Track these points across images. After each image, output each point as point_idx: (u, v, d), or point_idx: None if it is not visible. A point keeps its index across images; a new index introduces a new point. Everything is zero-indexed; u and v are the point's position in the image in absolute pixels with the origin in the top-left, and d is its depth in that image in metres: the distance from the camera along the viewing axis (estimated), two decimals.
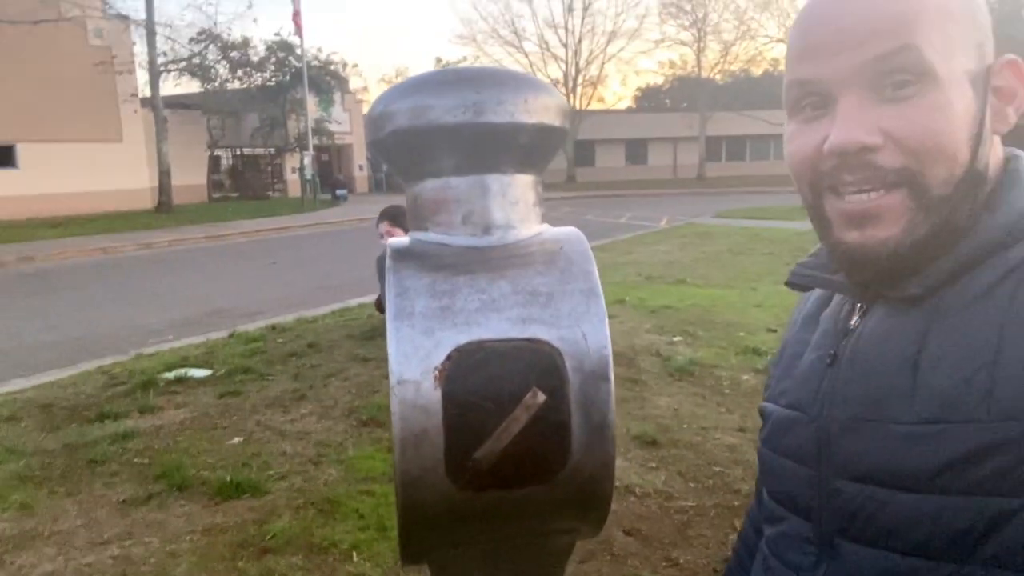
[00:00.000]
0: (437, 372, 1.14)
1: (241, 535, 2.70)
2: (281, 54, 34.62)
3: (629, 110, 46.27)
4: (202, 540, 2.64)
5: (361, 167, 41.35)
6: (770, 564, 0.87)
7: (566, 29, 43.40)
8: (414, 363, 1.14)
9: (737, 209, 20.76)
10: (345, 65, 38.93)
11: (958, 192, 0.68)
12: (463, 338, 1.15)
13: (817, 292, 0.87)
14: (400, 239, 1.40)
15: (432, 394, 1.13)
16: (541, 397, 1.14)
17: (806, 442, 0.78)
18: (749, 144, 46.61)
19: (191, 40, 29.64)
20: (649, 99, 52.27)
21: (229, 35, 31.64)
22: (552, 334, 1.17)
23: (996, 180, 0.71)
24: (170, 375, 4.82)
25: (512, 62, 59.73)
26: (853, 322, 0.77)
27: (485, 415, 1.14)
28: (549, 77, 44.41)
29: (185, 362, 5.13)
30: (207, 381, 4.86)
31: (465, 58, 49.13)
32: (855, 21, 0.67)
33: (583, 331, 1.19)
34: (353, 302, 7.69)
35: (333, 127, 36.57)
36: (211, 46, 30.80)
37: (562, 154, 44.07)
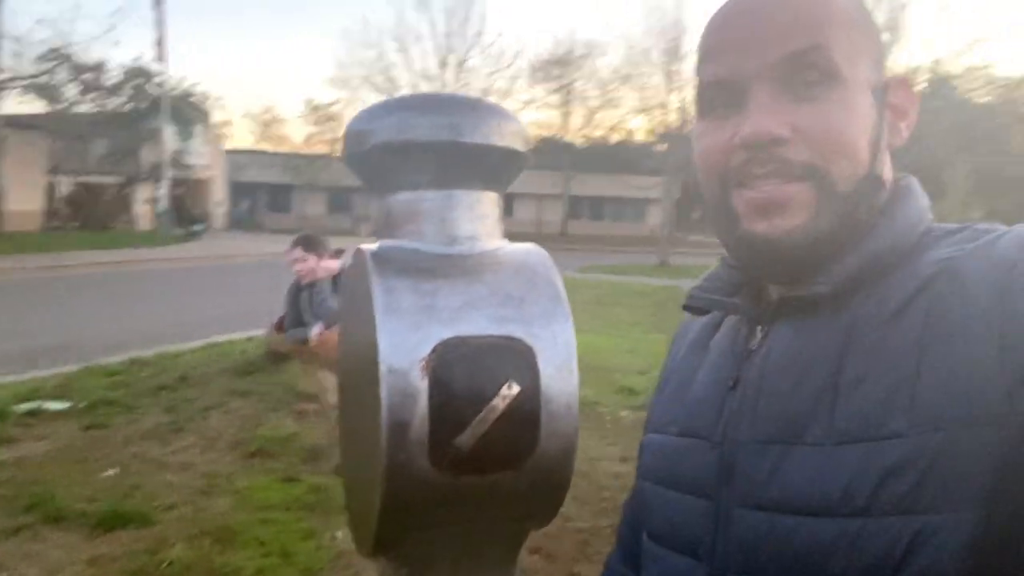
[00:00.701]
0: (423, 363, 1.23)
1: (134, 563, 2.54)
2: (139, 80, 32.85)
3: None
4: (88, 570, 2.45)
5: (219, 203, 39.56)
6: None
7: (441, 83, 44.34)
8: (402, 354, 1.22)
9: (599, 264, 21.87)
10: (208, 97, 37.57)
11: (859, 191, 0.72)
12: (447, 333, 1.25)
13: (702, 320, 0.85)
14: (368, 246, 1.48)
15: (419, 383, 1.22)
16: (516, 388, 1.25)
17: (704, 470, 0.74)
18: (608, 205, 49.34)
19: (39, 57, 27.51)
20: None
21: (84, 55, 29.69)
22: (525, 332, 1.30)
23: (890, 192, 0.74)
24: (23, 407, 4.41)
25: None
26: (754, 344, 0.75)
27: (466, 404, 1.24)
28: None
29: (37, 394, 4.72)
30: (67, 414, 4.50)
31: (338, 100, 48.81)
32: (768, 20, 0.71)
33: (552, 331, 1.32)
34: (221, 338, 7.36)
35: (192, 160, 34.90)
36: (62, 66, 28.72)
37: None
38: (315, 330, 3.87)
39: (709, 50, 0.77)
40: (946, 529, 0.58)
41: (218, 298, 11.10)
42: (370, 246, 1.47)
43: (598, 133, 43.62)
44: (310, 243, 3.90)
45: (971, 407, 0.60)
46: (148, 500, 3.07)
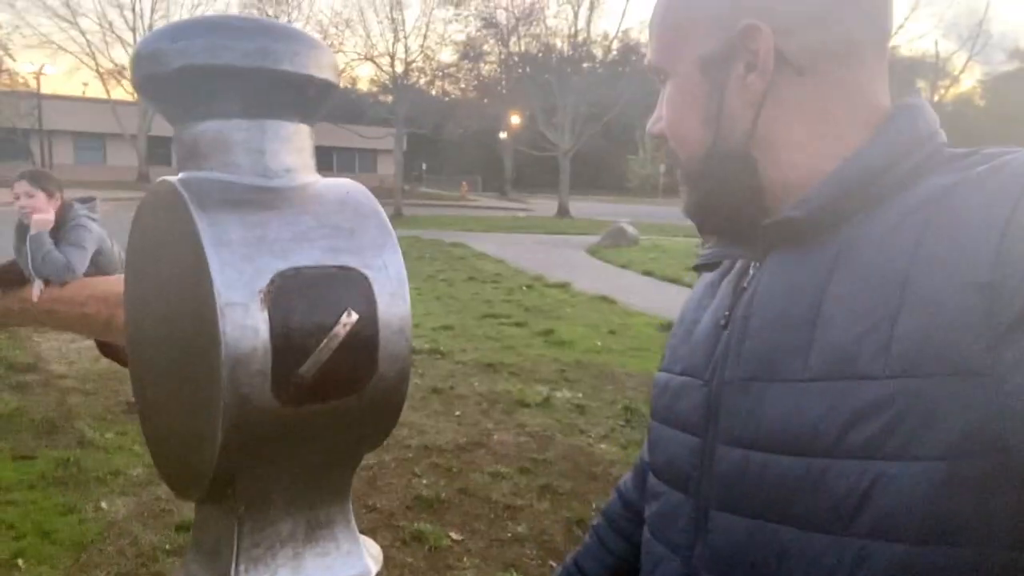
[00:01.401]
0: (262, 295, 1.21)
1: None
2: None
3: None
4: None
5: None
6: (649, 548, 0.81)
7: (133, 11, 38.99)
8: (239, 287, 1.18)
9: None
10: None
11: (710, 167, 0.73)
12: (282, 265, 1.24)
13: (719, 268, 0.83)
14: (172, 177, 1.37)
15: (259, 315, 1.19)
16: (355, 316, 1.29)
17: (695, 408, 0.73)
18: (336, 155, 48.20)
19: None
20: None
21: None
22: (359, 262, 1.33)
23: (884, 116, 0.70)
24: None
25: (67, 39, 51.29)
26: (746, 282, 0.74)
27: (307, 334, 1.24)
28: (114, 62, 39.32)
29: None
30: None
31: (0, 26, 40.48)
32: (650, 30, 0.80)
33: (384, 260, 1.37)
34: None
35: None
36: None
37: (134, 152, 39.41)
38: (36, 290, 3.30)
39: None
40: (906, 477, 0.56)
41: None
42: (174, 178, 1.37)
43: None
44: (39, 178, 3.26)
45: (949, 357, 0.56)
46: None
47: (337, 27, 33.20)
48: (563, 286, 10.15)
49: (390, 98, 30.85)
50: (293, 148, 1.43)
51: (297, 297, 1.25)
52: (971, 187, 0.60)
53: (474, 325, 7.42)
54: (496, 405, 3.80)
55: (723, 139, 0.72)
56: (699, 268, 0.84)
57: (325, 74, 1.40)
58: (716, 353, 0.73)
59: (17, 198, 3.29)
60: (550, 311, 8.50)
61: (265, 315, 1.21)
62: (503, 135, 38.62)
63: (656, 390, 0.84)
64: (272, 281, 1.23)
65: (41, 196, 3.28)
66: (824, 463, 0.60)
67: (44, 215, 3.20)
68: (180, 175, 1.39)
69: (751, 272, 0.75)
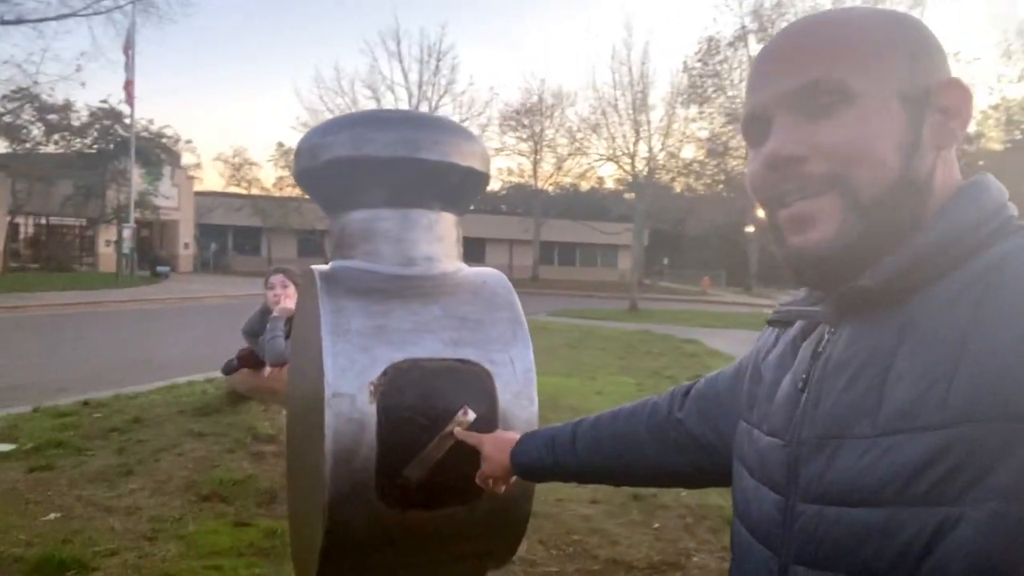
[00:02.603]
0: (372, 387, 1.15)
1: None
2: (107, 122, 32.54)
3: (468, 212, 48.08)
4: None
5: (187, 245, 38.99)
6: None
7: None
8: (350, 377, 1.15)
9: (569, 309, 21.86)
10: (178, 140, 37.26)
11: (892, 197, 0.73)
12: (398, 356, 1.18)
13: (798, 324, 0.88)
14: (321, 266, 1.42)
15: (367, 408, 1.14)
16: (472, 415, 1.18)
17: (779, 468, 0.77)
18: (579, 251, 49.82)
19: (3, 97, 27.11)
20: (486, 202, 54.83)
21: (50, 96, 29.40)
22: (482, 356, 1.24)
23: (951, 194, 0.75)
24: None
25: None
26: (822, 347, 0.78)
27: (418, 430, 1.16)
28: None
29: None
30: (11, 456, 4.25)
31: None
32: (787, 58, 0.78)
33: (510, 355, 1.26)
34: (181, 380, 7.12)
35: (160, 201, 34.44)
36: (26, 105, 28.37)
37: None
38: (267, 368, 3.72)
39: (748, 89, 0.85)
40: (969, 521, 0.60)
41: (181, 340, 10.84)
42: (321, 267, 1.40)
43: (568, 180, 44.18)
44: (293, 274, 3.73)
45: (1004, 404, 0.60)
46: (89, 545, 2.86)
47: (583, 131, 34.74)
48: None
49: (633, 195, 31.46)
50: (433, 236, 1.40)
51: (410, 391, 1.18)
52: (1021, 252, 0.66)
53: None
54: (703, 522, 3.39)
55: (914, 171, 0.74)
56: (773, 323, 0.87)
57: (469, 162, 1.37)
58: (796, 416, 0.77)
59: (272, 288, 3.75)
60: None
61: (374, 408, 1.15)
62: (749, 229, 37.33)
63: (740, 437, 0.88)
64: (385, 372, 1.17)
65: (292, 289, 3.70)
66: (890, 512, 0.64)
67: (289, 305, 3.60)
68: (329, 264, 1.43)
69: (826, 337, 0.78)
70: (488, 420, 1.24)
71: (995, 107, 25.94)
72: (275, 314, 3.67)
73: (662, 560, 2.99)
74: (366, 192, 1.38)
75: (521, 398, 1.25)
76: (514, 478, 1.12)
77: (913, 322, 0.69)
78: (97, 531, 3.00)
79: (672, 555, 3.03)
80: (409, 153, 1.33)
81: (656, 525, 3.37)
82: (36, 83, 26.35)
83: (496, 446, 1.10)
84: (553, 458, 1.12)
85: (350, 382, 1.18)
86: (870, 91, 0.74)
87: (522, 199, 47.48)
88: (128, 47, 28.55)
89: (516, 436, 1.11)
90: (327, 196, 1.44)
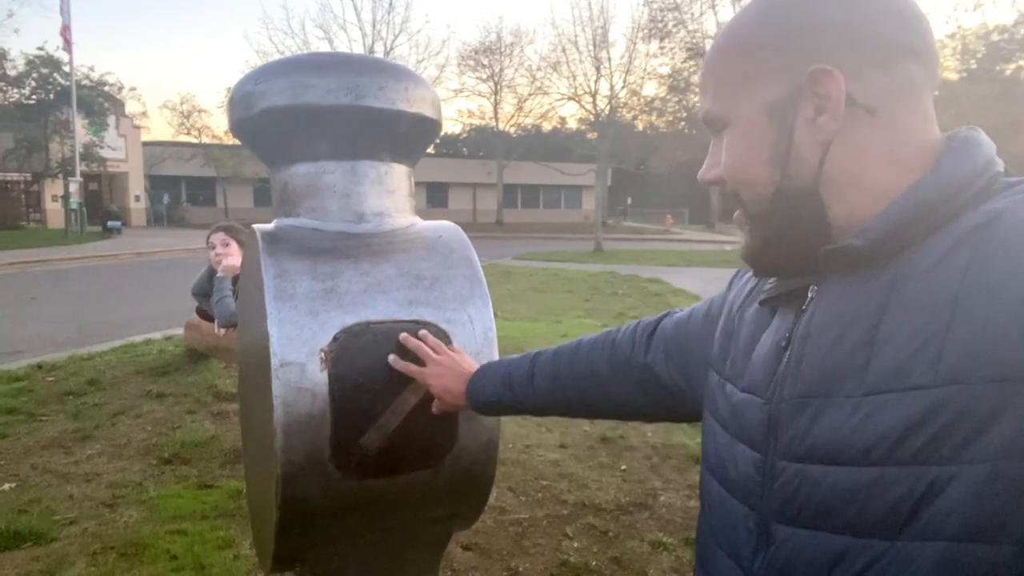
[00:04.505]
0: (323, 354, 1.09)
1: None
2: (45, 70, 30.88)
3: (428, 155, 47.19)
4: None
5: (138, 197, 37.69)
6: (711, 554, 0.85)
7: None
8: (298, 344, 1.08)
9: (534, 252, 21.82)
10: (121, 88, 35.55)
11: (777, 206, 0.76)
12: (350, 319, 1.11)
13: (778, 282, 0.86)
14: (264, 225, 1.32)
15: (318, 376, 1.07)
16: None
17: (758, 425, 0.77)
18: (543, 192, 49.46)
19: None
20: (447, 146, 53.84)
21: None
22: (439, 316, 1.17)
23: (941, 146, 0.75)
24: None
25: None
26: (805, 304, 0.78)
27: (373, 397, 1.10)
28: None
29: None
30: None
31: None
32: (700, 82, 0.84)
33: (468, 314, 1.20)
34: (138, 338, 6.93)
35: (106, 153, 33.07)
36: None
37: None
38: (217, 328, 3.60)
39: None
40: (959, 480, 0.60)
41: (136, 297, 10.54)
42: (264, 226, 1.31)
43: (529, 121, 43.42)
44: (235, 231, 3.57)
45: (997, 365, 0.59)
46: (47, 515, 2.78)
47: (543, 70, 34.09)
48: None
49: (595, 135, 31.14)
50: (384, 190, 1.31)
51: (363, 356, 1.11)
52: (1017, 211, 0.65)
53: None
54: (668, 461, 3.41)
55: (791, 178, 0.75)
56: (767, 303, 0.84)
57: (418, 108, 1.28)
58: (778, 373, 0.76)
59: (213, 247, 3.61)
60: None
61: (325, 376, 1.09)
62: None
63: (721, 396, 0.86)
64: (335, 338, 1.11)
65: (234, 247, 3.57)
66: (878, 471, 0.64)
67: (233, 263, 3.47)
68: (273, 222, 1.34)
69: (810, 295, 0.77)
70: None
71: (951, 36, 26.05)
72: (220, 274, 3.54)
73: (630, 501, 3.03)
74: (308, 144, 1.29)
75: (481, 358, 1.20)
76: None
77: (902, 280, 0.69)
78: (55, 500, 2.92)
79: (640, 495, 3.06)
80: (352, 101, 1.23)
81: (623, 467, 3.40)
82: None
83: (449, 383, 1.06)
84: (511, 395, 1.10)
85: (298, 350, 1.11)
86: (740, 116, 0.78)
87: (484, 142, 46.75)
88: None
89: (468, 370, 1.08)
90: (266, 149, 1.34)
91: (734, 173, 0.79)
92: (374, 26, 35.46)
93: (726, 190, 0.81)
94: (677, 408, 1.02)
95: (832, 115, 0.73)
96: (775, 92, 0.75)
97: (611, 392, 1.07)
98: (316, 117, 1.22)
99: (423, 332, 1.11)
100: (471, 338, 1.20)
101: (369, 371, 1.14)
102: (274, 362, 1.09)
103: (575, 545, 2.68)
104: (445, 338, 1.19)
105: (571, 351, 1.12)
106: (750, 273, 0.92)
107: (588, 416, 1.14)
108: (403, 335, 1.10)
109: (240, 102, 1.26)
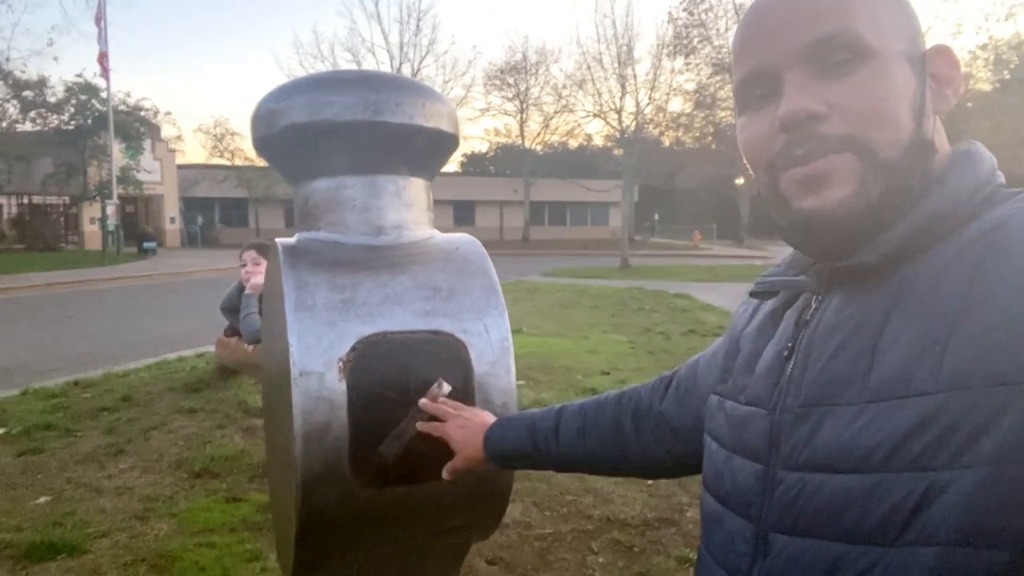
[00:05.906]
0: (342, 363, 1.11)
1: None
2: (83, 97, 31.84)
3: (455, 174, 47.46)
4: None
5: (173, 219, 38.55)
6: (710, 571, 0.83)
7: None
8: (317, 354, 1.10)
9: (561, 268, 21.82)
10: (157, 112, 36.50)
11: (907, 157, 0.71)
12: (367, 329, 1.14)
13: (781, 295, 0.86)
14: (286, 239, 1.36)
15: (336, 385, 1.09)
16: (447, 387, 1.14)
17: (760, 437, 0.76)
18: (569, 209, 49.51)
19: None
20: (474, 164, 54.20)
21: (23, 73, 28.73)
22: (455, 326, 1.19)
23: (947, 159, 0.74)
24: None
25: None
26: (809, 315, 0.77)
27: (392, 406, 1.12)
28: None
29: None
30: (0, 440, 4.23)
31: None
32: (795, 10, 0.73)
33: (485, 324, 1.21)
34: (171, 355, 7.07)
35: (142, 176, 33.90)
36: (0, 83, 27.74)
37: None
38: (246, 344, 3.68)
39: (743, 46, 0.79)
40: (957, 485, 0.59)
41: (170, 316, 10.77)
42: (286, 240, 1.35)
43: (555, 139, 43.58)
44: (266, 249, 3.66)
45: (999, 369, 0.59)
46: (80, 528, 2.85)
47: (569, 88, 34.23)
48: None
49: (621, 151, 31.12)
50: (402, 203, 1.34)
51: (382, 366, 1.13)
52: (1021, 218, 0.65)
53: None
54: (696, 476, 3.42)
55: (925, 132, 0.72)
56: (756, 295, 0.84)
57: (435, 123, 1.31)
58: (780, 383, 0.75)
59: (244, 265, 3.69)
60: None
61: (343, 385, 1.11)
62: (739, 181, 37.17)
63: (721, 415, 0.85)
64: (354, 348, 1.13)
65: (264, 265, 3.63)
66: (876, 478, 0.63)
67: (259, 281, 3.53)
68: (295, 236, 1.37)
69: (813, 305, 0.77)
70: (464, 392, 1.20)
71: (983, 47, 25.63)
72: (247, 291, 3.62)
73: (656, 516, 3.00)
74: (328, 159, 1.32)
75: (497, 368, 1.21)
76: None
77: (906, 288, 0.68)
78: (88, 513, 2.99)
79: (666, 511, 3.03)
80: (370, 117, 1.26)
81: (649, 482, 3.38)
82: (8, 59, 25.74)
83: (465, 435, 1.05)
84: (533, 445, 1.09)
85: (317, 359, 1.13)
86: (884, 49, 0.72)
87: (510, 160, 47.02)
88: (100, 17, 27.81)
89: (486, 421, 1.07)
90: (288, 165, 1.38)
91: (873, 108, 0.71)
92: (401, 48, 35.94)
93: (828, 128, 0.71)
94: (693, 456, 0.97)
95: (954, 92, 0.74)
96: (911, 43, 0.74)
97: (631, 447, 1.06)
98: (335, 133, 1.25)
99: (442, 398, 1.10)
100: (487, 347, 1.21)
101: (387, 381, 1.16)
102: (293, 371, 1.11)
103: (600, 560, 2.66)
104: (463, 348, 1.20)
105: (598, 405, 1.11)
106: (751, 300, 0.91)
107: (611, 474, 1.12)
108: (422, 401, 1.09)
109: (262, 120, 1.30)
